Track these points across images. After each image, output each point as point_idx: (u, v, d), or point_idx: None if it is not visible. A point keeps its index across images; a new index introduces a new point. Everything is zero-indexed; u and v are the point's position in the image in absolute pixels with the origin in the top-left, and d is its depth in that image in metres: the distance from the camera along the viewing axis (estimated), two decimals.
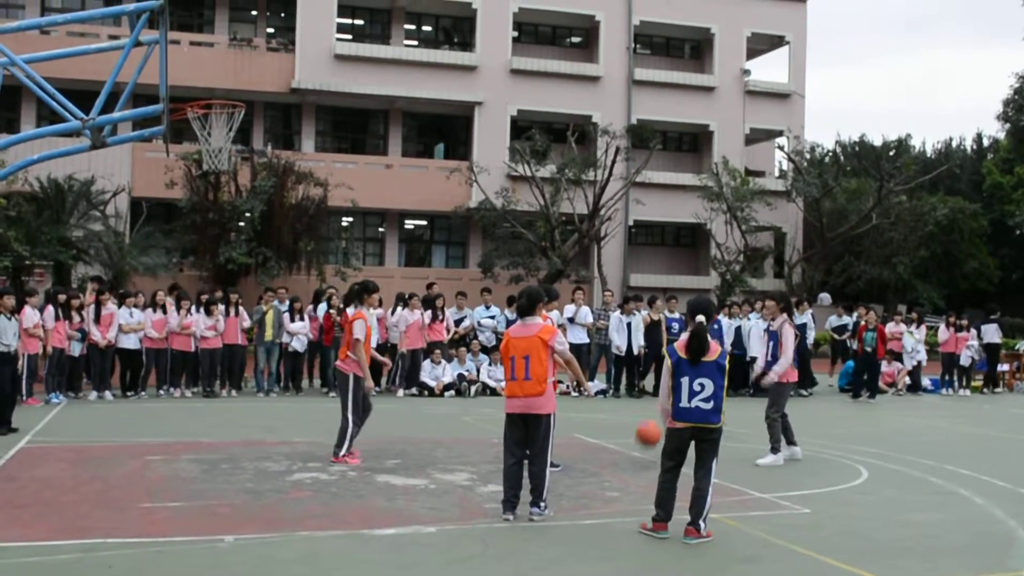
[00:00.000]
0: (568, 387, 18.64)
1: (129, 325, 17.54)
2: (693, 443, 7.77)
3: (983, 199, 46.35)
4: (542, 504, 8.11)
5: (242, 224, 29.67)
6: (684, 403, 7.66)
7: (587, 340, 20.04)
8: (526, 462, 8.24)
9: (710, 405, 7.62)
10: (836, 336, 23.95)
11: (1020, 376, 25.69)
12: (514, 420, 8.24)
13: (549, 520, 8.13)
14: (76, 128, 10.99)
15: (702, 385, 7.63)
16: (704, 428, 7.68)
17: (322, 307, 19.45)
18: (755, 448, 12.74)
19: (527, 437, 8.19)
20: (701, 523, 7.60)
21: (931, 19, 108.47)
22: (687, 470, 7.78)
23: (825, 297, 23.08)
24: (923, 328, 23.76)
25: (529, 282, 32.40)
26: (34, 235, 25.99)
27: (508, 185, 34.63)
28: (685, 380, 7.65)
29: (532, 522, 7.97)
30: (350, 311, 11.39)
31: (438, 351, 19.33)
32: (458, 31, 40.09)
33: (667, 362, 7.78)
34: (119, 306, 17.70)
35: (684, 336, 7.85)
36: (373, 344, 18.80)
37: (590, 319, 20.16)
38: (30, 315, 15.73)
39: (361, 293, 11.33)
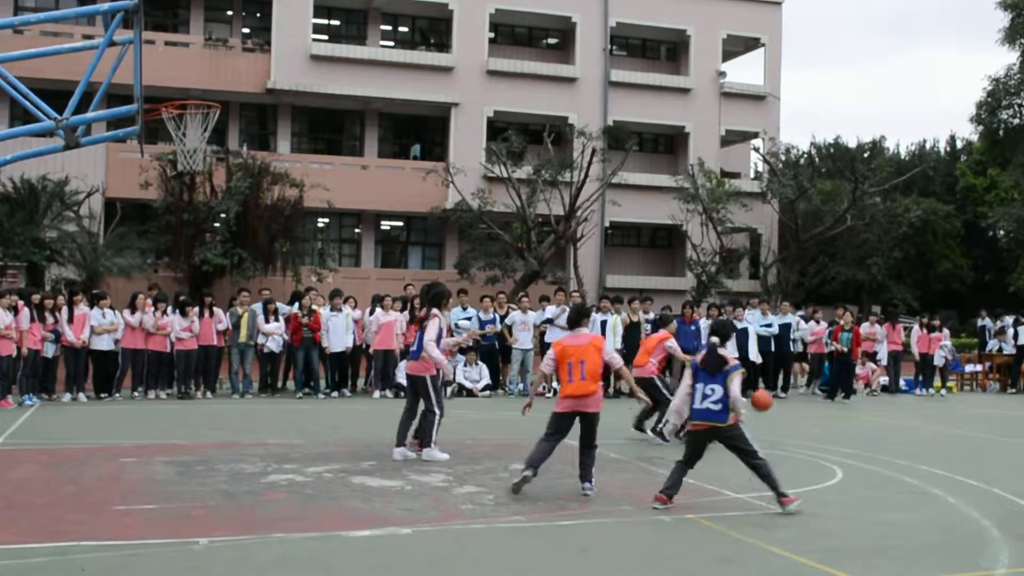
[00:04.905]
0: (543, 388, 18.53)
1: (102, 327, 17.39)
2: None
3: (956, 201, 46.73)
4: (592, 481, 9.28)
5: (217, 225, 29.55)
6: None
7: None
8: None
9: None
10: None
11: (992, 376, 25.91)
12: (563, 417, 9.33)
13: (525, 521, 8.16)
14: (50, 128, 10.91)
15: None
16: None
17: (286, 307, 19.41)
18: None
19: (569, 429, 9.41)
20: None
21: (906, 22, 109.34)
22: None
23: None
24: (899, 328, 23.87)
25: (505, 283, 32.42)
26: (7, 236, 25.84)
27: (484, 186, 34.63)
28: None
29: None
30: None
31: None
32: (434, 32, 40.04)
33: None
34: (91, 307, 17.54)
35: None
36: (349, 345, 19.03)
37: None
38: (1, 316, 15.59)
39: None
